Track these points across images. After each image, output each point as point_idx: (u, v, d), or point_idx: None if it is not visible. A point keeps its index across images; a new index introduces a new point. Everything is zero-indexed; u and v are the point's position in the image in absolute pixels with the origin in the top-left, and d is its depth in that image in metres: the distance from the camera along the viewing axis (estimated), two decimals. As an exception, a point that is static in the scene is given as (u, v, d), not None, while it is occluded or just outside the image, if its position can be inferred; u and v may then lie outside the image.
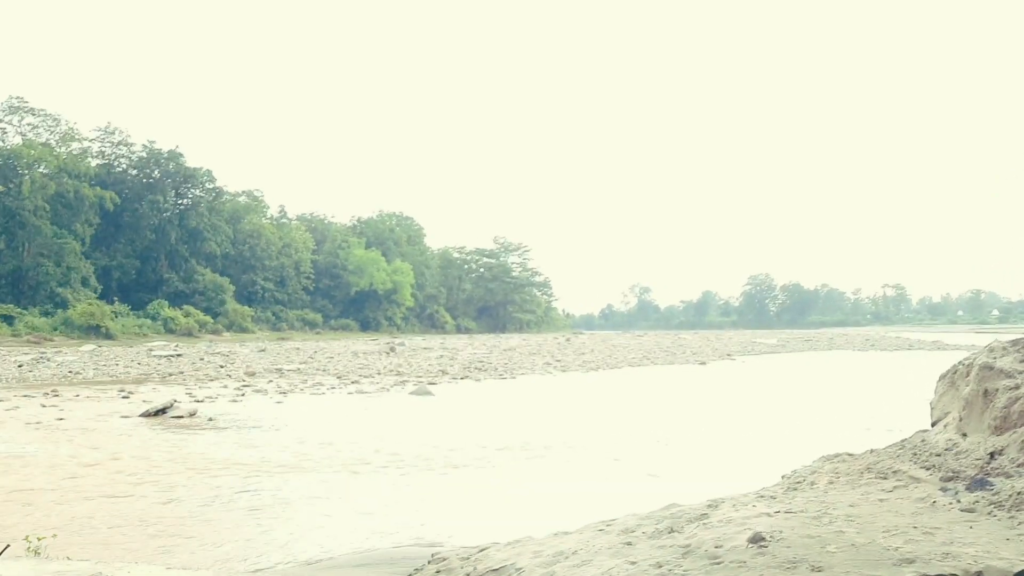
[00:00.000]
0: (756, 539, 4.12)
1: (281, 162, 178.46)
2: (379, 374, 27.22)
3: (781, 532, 4.14)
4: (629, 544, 4.57)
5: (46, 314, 58.18)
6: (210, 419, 15.61)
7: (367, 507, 8.11)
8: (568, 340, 67.22)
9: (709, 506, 5.18)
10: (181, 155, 76.25)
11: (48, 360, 33.44)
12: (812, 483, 5.66)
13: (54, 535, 5.58)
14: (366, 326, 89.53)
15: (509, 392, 22.25)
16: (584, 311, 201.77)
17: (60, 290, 61.29)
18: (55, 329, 56.12)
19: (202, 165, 79.22)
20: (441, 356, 38.72)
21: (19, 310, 56.67)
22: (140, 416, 15.97)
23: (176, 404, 17.15)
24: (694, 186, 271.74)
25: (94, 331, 57.19)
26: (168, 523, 7.38)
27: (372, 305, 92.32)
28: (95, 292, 64.15)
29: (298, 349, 46.85)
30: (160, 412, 16.44)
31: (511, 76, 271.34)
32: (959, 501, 4.46)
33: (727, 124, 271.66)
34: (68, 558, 5.30)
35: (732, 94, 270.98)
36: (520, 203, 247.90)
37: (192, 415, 16.13)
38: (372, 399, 19.51)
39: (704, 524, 4.65)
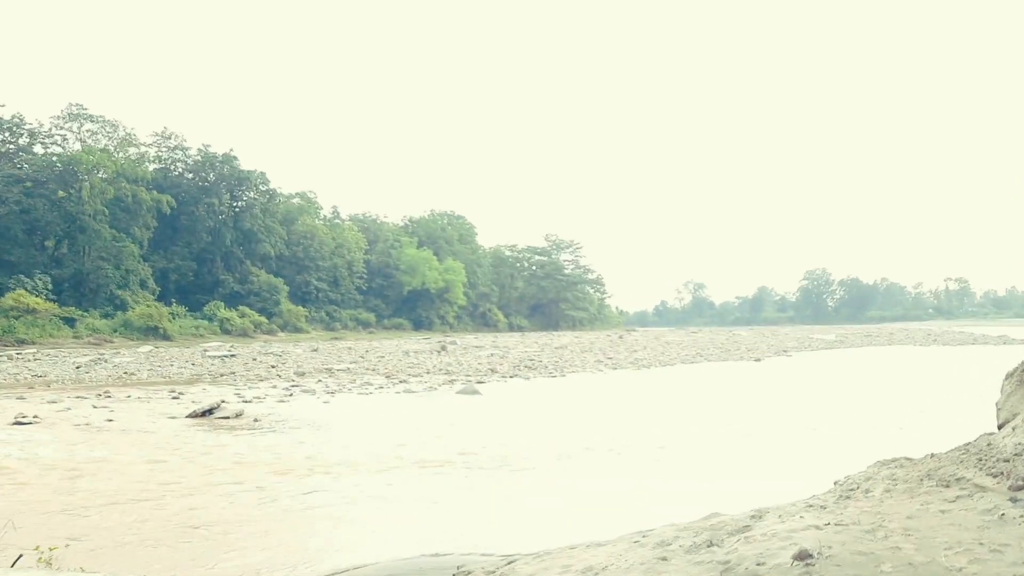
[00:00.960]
0: (802, 556, 3.75)
1: (334, 163, 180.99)
2: (428, 373, 27.14)
3: (830, 548, 3.75)
4: (664, 559, 4.23)
5: (106, 316, 59.74)
6: (256, 420, 15.63)
7: (395, 512, 7.89)
8: (620, 337, 66.53)
9: (753, 517, 4.80)
10: (235, 158, 77.66)
11: (105, 361, 34.22)
12: (867, 491, 5.22)
13: (67, 544, 5.47)
14: (419, 325, 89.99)
15: (557, 390, 21.92)
16: (638, 308, 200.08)
17: (119, 292, 62.91)
18: (115, 331, 57.61)
19: (256, 167, 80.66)
20: (492, 354, 38.55)
21: (80, 312, 58.30)
22: (187, 417, 16.07)
23: (223, 405, 17.24)
24: (749, 180, 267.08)
25: (152, 332, 58.56)
26: (185, 530, 7.26)
27: (424, 304, 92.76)
28: (153, 294, 65.69)
29: (350, 349, 47.21)
30: (207, 413, 16.54)
31: (564, 72, 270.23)
32: (1032, 514, 4.00)
33: (784, 116, 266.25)
34: (82, 569, 5.17)
35: (789, 85, 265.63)
36: (572, 200, 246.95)
37: (238, 416, 16.18)
38: (419, 399, 19.38)
39: (746, 538, 4.28)
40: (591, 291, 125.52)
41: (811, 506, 4.98)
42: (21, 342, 50.09)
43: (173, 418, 16.05)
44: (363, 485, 9.15)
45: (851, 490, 5.33)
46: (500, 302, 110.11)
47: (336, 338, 70.41)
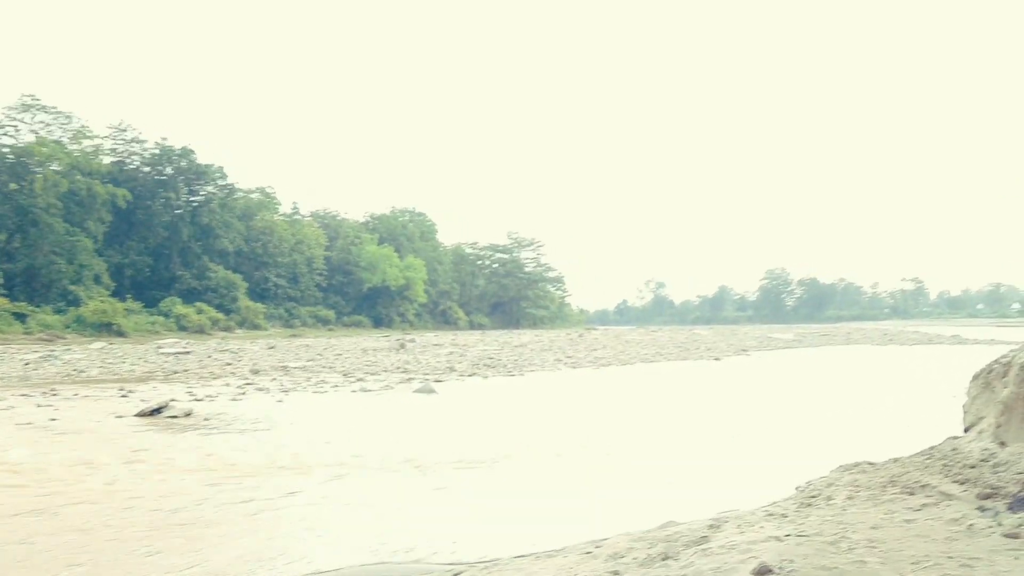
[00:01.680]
0: (762, 571, 3.52)
1: (294, 159, 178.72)
2: (385, 371, 26.72)
3: (792, 563, 3.53)
4: (615, 573, 3.98)
5: (59, 312, 58.23)
6: (205, 419, 15.14)
7: (341, 516, 7.57)
8: (581, 336, 66.57)
9: (711, 526, 4.57)
10: (193, 152, 76.33)
11: (56, 358, 33.19)
12: (829, 498, 5.04)
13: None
14: (379, 323, 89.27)
15: (514, 390, 21.68)
16: (599, 307, 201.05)
17: (73, 288, 61.36)
18: (67, 327, 56.16)
19: (214, 162, 79.37)
20: (451, 353, 38.20)
21: (32, 308, 56.73)
22: (135, 416, 15.52)
23: (172, 403, 16.68)
24: (709, 180, 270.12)
25: (106, 329, 57.20)
26: (106, 541, 6.86)
27: (385, 302, 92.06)
28: (108, 290, 64.21)
29: (307, 346, 46.48)
30: (155, 412, 15.97)
31: (524, 71, 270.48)
32: (1000, 524, 3.83)
33: (743, 117, 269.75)
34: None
35: (747, 87, 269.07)
36: (533, 198, 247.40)
37: (188, 415, 15.66)
38: (374, 397, 18.99)
39: (703, 550, 4.05)
40: (552, 289, 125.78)
41: (771, 514, 4.78)
42: (-34, 338, 48.51)
43: (120, 417, 15.48)
44: (310, 488, 8.80)
45: (812, 497, 5.15)
46: (461, 300, 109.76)
47: (295, 335, 69.43)
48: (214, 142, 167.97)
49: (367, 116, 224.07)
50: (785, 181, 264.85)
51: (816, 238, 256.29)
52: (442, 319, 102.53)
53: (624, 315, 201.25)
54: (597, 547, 4.69)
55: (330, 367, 28.69)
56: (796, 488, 5.77)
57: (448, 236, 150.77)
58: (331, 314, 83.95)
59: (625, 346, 47.01)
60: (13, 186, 60.88)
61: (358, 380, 23.38)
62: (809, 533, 4.03)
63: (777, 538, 3.98)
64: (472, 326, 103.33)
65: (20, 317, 54.74)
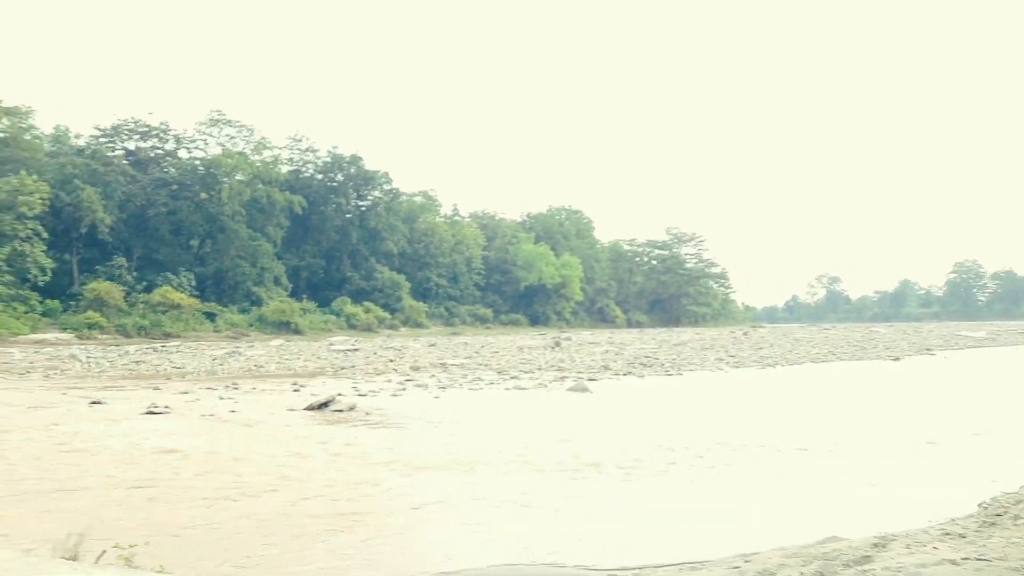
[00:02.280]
0: (931, 601, 3.10)
1: (455, 162, 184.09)
2: (540, 369, 26.85)
3: (968, 592, 3.10)
4: (762, 593, 3.66)
5: (243, 311, 63.08)
6: (367, 413, 15.77)
7: (490, 515, 7.56)
8: (745, 334, 64.19)
9: (875, 545, 4.13)
10: (361, 159, 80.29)
11: (239, 354, 35.88)
12: (1016, 517, 4.44)
13: (147, 543, 5.43)
14: (535, 321, 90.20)
15: (672, 389, 21.12)
16: (767, 303, 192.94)
17: (255, 289, 66.22)
18: (251, 325, 60.74)
19: (380, 168, 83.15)
20: (607, 351, 37.90)
21: (220, 308, 61.81)
22: (304, 409, 16.40)
23: (339, 398, 17.54)
24: (891, 165, 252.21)
25: (285, 327, 61.35)
26: (272, 526, 7.17)
27: (541, 300, 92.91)
28: (286, 290, 68.83)
29: (466, 344, 47.66)
30: (323, 406, 16.86)
31: (681, 63, 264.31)
32: None
33: (929, 97, 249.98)
34: (161, 568, 5.11)
35: (930, 65, 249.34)
36: (696, 192, 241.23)
37: (351, 409, 16.37)
38: (527, 395, 19.09)
39: (864, 571, 3.65)
40: (714, 286, 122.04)
41: (948, 533, 4.26)
42: (167, 335, 53.62)
43: (291, 410, 16.41)
44: (460, 484, 8.89)
45: (997, 515, 4.56)
46: (618, 298, 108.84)
47: (454, 333, 71.49)
48: (380, 148, 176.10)
49: (525, 116, 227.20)
50: (977, 164, 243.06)
51: (1013, 226, 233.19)
52: (599, 317, 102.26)
53: (794, 312, 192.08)
54: (746, 561, 4.37)
55: (486, 365, 29.22)
56: (980, 504, 5.14)
57: (605, 233, 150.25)
58: (489, 312, 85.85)
59: (794, 345, 44.83)
60: (204, 195, 66.51)
61: (512, 378, 23.63)
62: (991, 557, 3.54)
63: (953, 561, 3.52)
64: (630, 324, 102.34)
65: (210, 316, 59.83)
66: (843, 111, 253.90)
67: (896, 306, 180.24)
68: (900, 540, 4.25)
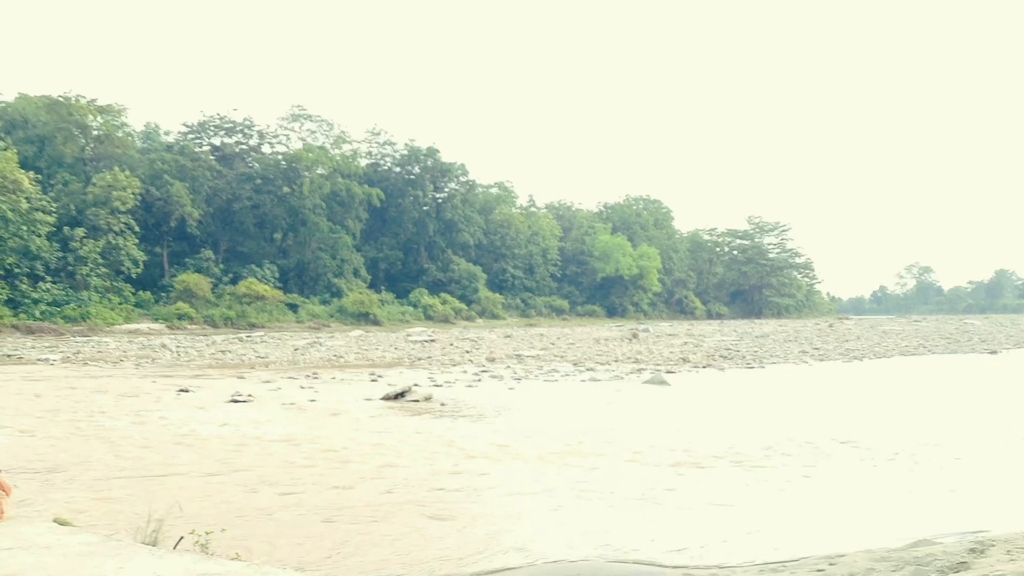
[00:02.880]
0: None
1: (531, 152, 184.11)
2: (616, 361, 26.53)
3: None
4: (855, 603, 3.39)
5: (324, 302, 64.55)
6: (442, 404, 15.82)
7: (563, 507, 7.40)
8: (831, 326, 62.23)
9: (972, 551, 3.80)
10: (438, 151, 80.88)
11: (320, 344, 36.67)
12: None
13: (223, 530, 5.48)
14: (612, 312, 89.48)
15: (753, 383, 20.53)
16: (853, 294, 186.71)
17: (336, 280, 67.64)
18: (331, 316, 62.11)
19: (457, 160, 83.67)
20: (685, 343, 37.23)
21: (302, 299, 63.41)
22: (381, 399, 16.57)
23: (414, 388, 17.69)
24: (986, 148, 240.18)
25: (364, 318, 62.49)
26: (342, 516, 7.17)
27: (618, 291, 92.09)
28: (365, 282, 70.06)
29: (542, 335, 47.57)
30: (399, 396, 17.01)
31: (762, 47, 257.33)
32: None
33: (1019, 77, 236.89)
34: (237, 555, 5.14)
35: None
36: (778, 180, 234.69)
37: (427, 399, 16.46)
38: (603, 387, 18.84)
39: (968, 583, 3.34)
40: (798, 276, 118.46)
41: (1062, 543, 3.89)
42: (252, 326, 55.29)
43: (368, 400, 16.61)
44: (532, 476, 8.76)
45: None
46: (697, 288, 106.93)
47: (530, 324, 71.52)
48: (457, 140, 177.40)
49: (601, 105, 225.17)
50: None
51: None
52: (677, 308, 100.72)
53: (882, 303, 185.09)
54: (831, 564, 4.09)
55: (561, 356, 29.04)
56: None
57: (684, 223, 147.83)
58: (565, 304, 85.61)
59: (882, 337, 43.16)
60: (286, 189, 68.19)
61: (588, 370, 23.40)
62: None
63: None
64: (709, 315, 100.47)
65: (292, 307, 61.44)
66: (935, 93, 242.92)
67: (992, 297, 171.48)
68: (999, 545, 3.91)
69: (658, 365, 24.79)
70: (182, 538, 5.27)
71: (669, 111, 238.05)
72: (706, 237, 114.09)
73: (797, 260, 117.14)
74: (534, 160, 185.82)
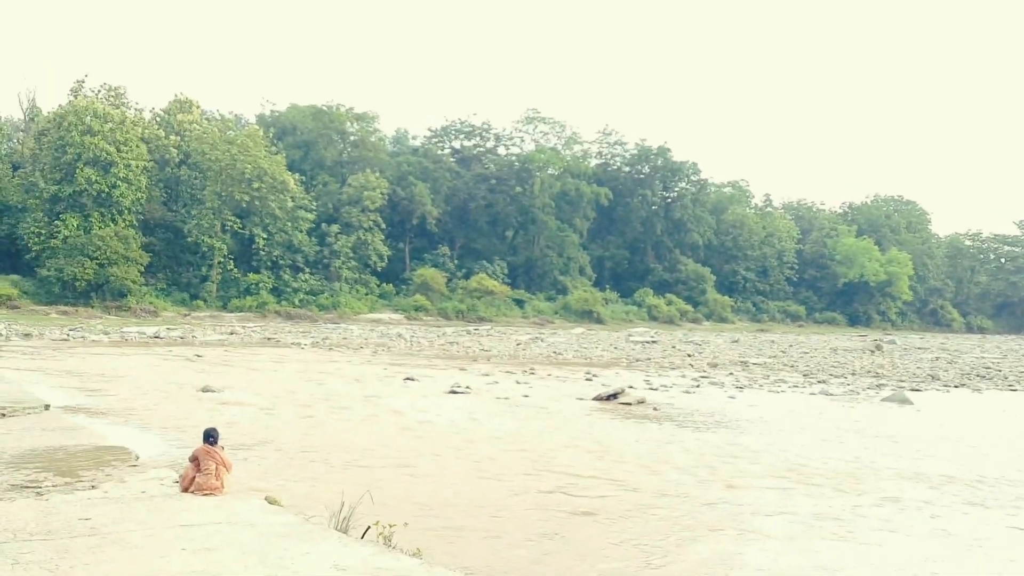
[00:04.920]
0: None
1: (767, 149, 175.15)
2: (853, 374, 24.38)
3: None
4: None
5: (549, 299, 65.93)
6: (655, 408, 15.34)
7: (789, 537, 6.72)
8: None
9: None
10: (668, 150, 79.56)
11: (541, 340, 37.36)
12: None
13: (405, 524, 5.50)
14: (854, 320, 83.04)
15: (1017, 408, 17.90)
16: None
17: (561, 278, 68.82)
18: (555, 313, 63.26)
19: (688, 158, 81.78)
20: (937, 359, 33.51)
21: (529, 295, 65.21)
22: (592, 399, 16.41)
23: (628, 390, 17.33)
24: None
25: (588, 316, 62.97)
26: (541, 521, 6.98)
27: (862, 298, 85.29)
28: (590, 280, 70.62)
29: (773, 342, 45.10)
30: (611, 397, 16.73)
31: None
32: None
33: None
34: (418, 551, 5.13)
35: None
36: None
37: (640, 402, 16.05)
38: (834, 403, 17.30)
39: None
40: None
41: None
42: (480, 320, 57.76)
43: (580, 399, 16.52)
44: (749, 497, 8.10)
45: None
46: (955, 299, 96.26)
47: (761, 330, 68.21)
48: (689, 138, 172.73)
49: (849, 96, 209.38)
50: None
51: None
52: (931, 319, 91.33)
53: None
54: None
55: (792, 365, 27.24)
56: None
57: (942, 226, 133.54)
58: (801, 309, 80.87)
59: None
60: (518, 189, 70.45)
61: (819, 382, 21.69)
62: None
63: None
64: (969, 329, 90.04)
65: (519, 303, 63.37)
66: None
67: None
68: None
69: (901, 381, 22.44)
70: (369, 528, 5.38)
71: (925, 102, 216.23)
72: (968, 243, 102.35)
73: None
74: (772, 157, 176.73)
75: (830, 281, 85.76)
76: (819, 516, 7.39)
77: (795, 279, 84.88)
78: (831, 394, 18.93)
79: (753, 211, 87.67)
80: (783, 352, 34.67)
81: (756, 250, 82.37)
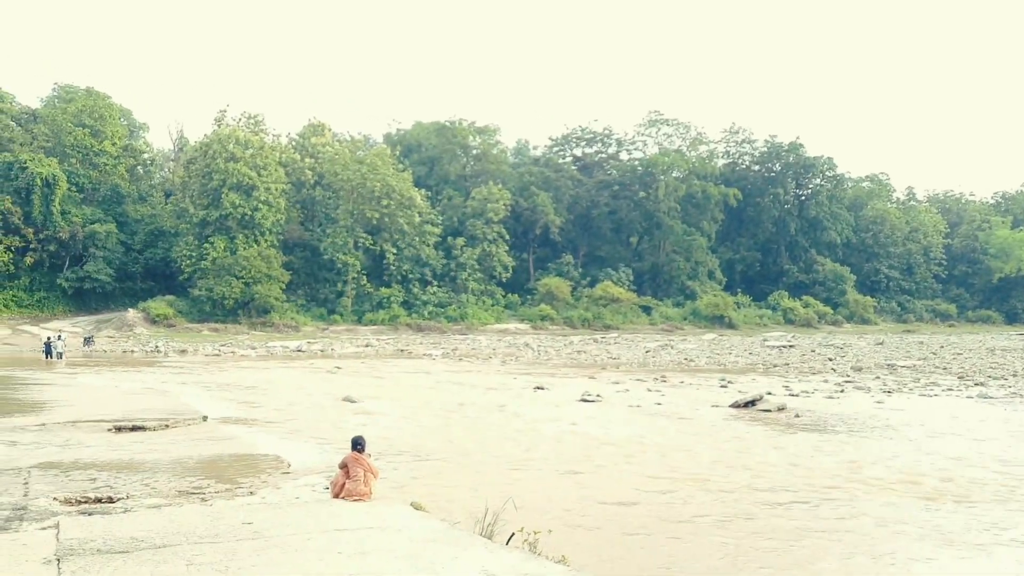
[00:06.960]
0: None
1: (909, 138, 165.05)
2: (1015, 376, 22.56)
3: None
4: None
5: (677, 305, 64.60)
6: (796, 415, 14.72)
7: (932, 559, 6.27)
8: None
9: None
10: (801, 146, 76.48)
11: (671, 347, 36.66)
12: None
13: (550, 531, 5.48)
14: (1013, 318, 76.89)
15: None
16: None
17: (689, 283, 67.30)
18: (684, 319, 61.93)
19: (822, 153, 78.30)
20: (1115, 357, 30.53)
21: (655, 301, 64.14)
22: (730, 407, 15.94)
23: (767, 396, 16.72)
24: None
25: (718, 321, 61.30)
26: (673, 536, 6.79)
27: (1020, 294, 78.90)
28: (720, 284, 68.71)
29: (921, 343, 42.39)
30: (749, 404, 16.18)
31: None
32: None
33: None
34: (563, 558, 5.10)
35: None
36: None
37: (780, 409, 15.45)
38: (996, 407, 16.05)
39: None
40: None
41: None
42: (607, 327, 57.33)
43: (716, 407, 16.08)
44: (910, 514, 7.62)
45: None
46: None
47: (908, 331, 64.28)
48: (823, 131, 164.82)
49: (993, 79, 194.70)
50: None
51: None
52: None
53: None
54: None
55: (945, 367, 25.50)
56: None
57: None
58: (952, 308, 75.61)
59: None
60: (642, 194, 69.55)
61: (977, 384, 20.19)
62: None
63: None
64: None
65: (646, 309, 62.43)
66: None
67: None
68: None
69: (1073, 383, 20.58)
70: (513, 534, 5.40)
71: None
72: None
73: None
74: (914, 148, 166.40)
75: (983, 277, 79.89)
76: None
77: (943, 276, 79.62)
78: (991, 397, 17.59)
79: (895, 205, 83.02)
80: (933, 354, 32.52)
81: (899, 247, 77.89)
